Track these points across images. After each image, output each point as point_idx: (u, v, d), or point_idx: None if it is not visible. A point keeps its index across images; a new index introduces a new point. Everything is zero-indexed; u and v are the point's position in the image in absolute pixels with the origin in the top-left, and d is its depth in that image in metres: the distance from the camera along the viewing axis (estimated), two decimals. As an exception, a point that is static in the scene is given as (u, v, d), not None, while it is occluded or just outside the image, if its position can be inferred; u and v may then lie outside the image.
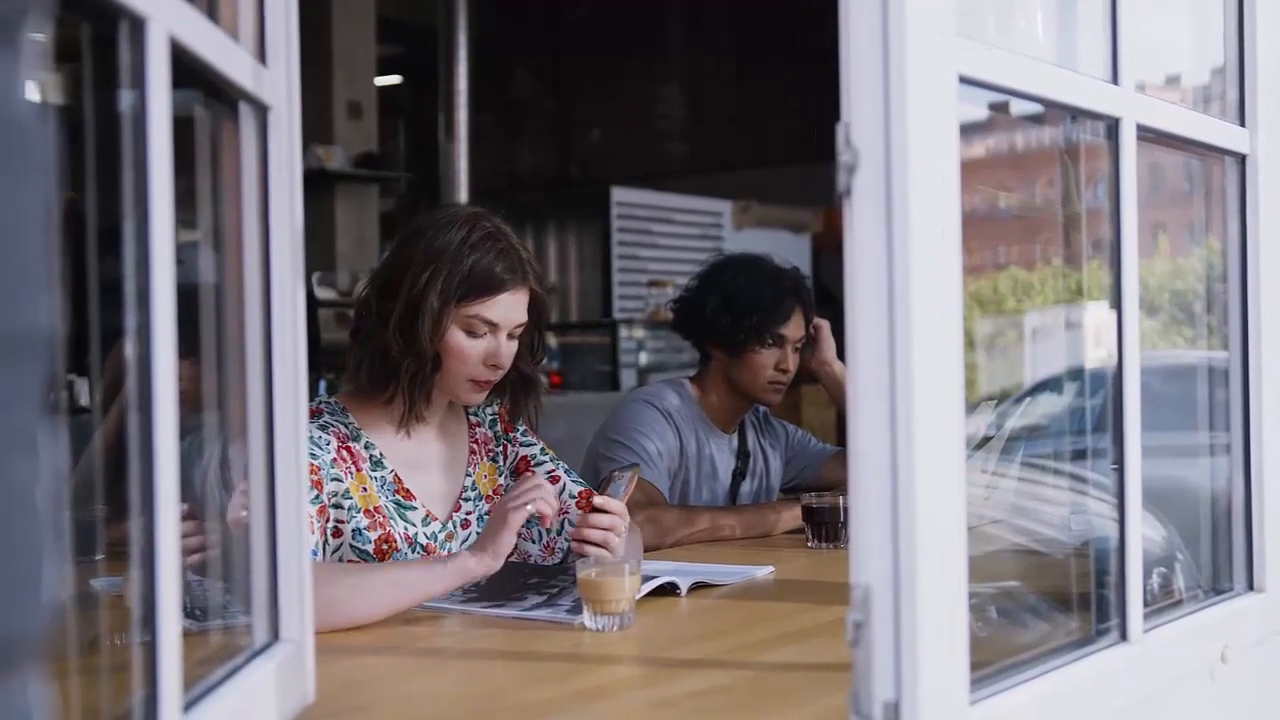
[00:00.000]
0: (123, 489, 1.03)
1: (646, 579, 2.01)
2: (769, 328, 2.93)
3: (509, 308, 2.18)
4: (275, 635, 1.35)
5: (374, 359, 2.17)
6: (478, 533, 2.25)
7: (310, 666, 1.40)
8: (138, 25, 0.98)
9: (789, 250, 6.20)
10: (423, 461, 2.26)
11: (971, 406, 1.25)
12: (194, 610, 1.36)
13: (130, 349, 1.00)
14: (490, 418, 2.39)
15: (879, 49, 1.16)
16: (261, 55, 1.33)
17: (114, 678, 1.22)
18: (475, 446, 2.35)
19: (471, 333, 2.16)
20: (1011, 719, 1.29)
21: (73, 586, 1.12)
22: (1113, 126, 1.50)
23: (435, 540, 2.21)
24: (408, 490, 2.20)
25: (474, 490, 2.31)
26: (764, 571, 2.31)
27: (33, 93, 0.56)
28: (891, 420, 1.15)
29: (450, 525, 2.25)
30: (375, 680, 1.65)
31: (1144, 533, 1.53)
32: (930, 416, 1.16)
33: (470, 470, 2.32)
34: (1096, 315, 1.85)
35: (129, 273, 1.00)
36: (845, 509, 2.61)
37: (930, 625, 1.15)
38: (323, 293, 6.83)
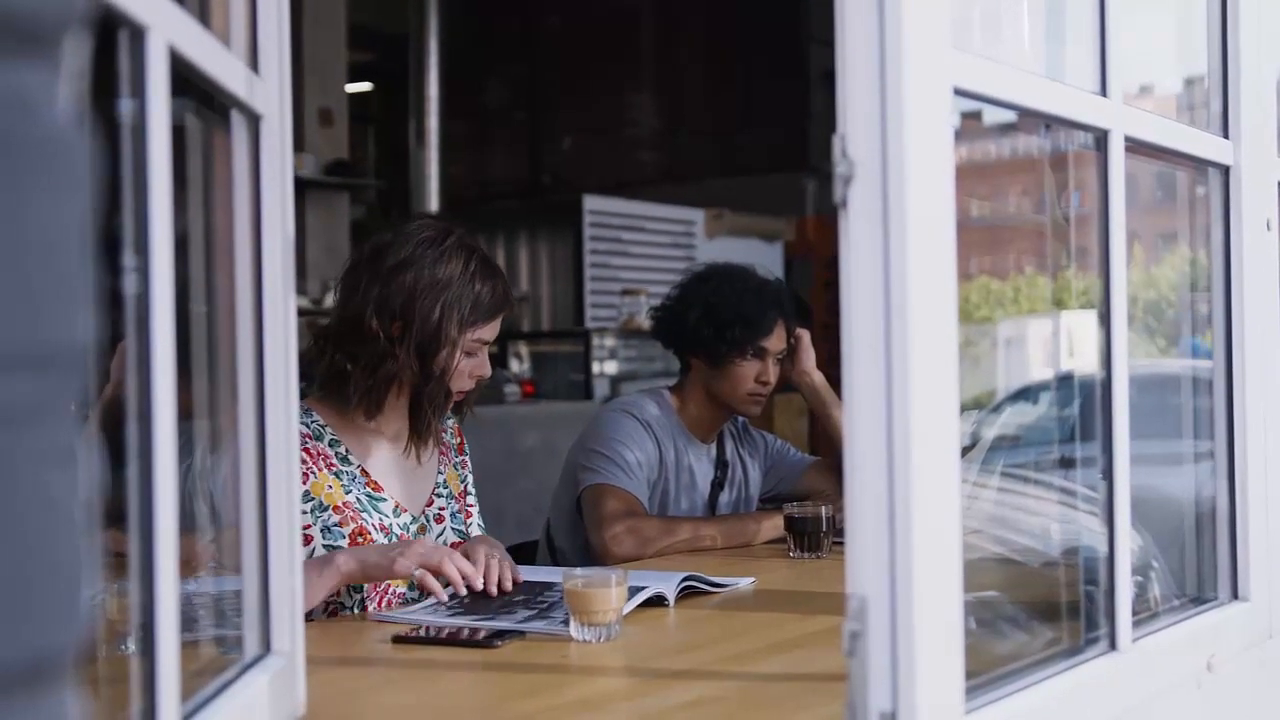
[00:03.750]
0: (105, 499, 1.02)
1: (634, 591, 2.01)
2: (751, 340, 2.92)
3: (499, 325, 2.32)
4: (267, 648, 1.34)
5: (385, 384, 2.24)
6: (452, 528, 2.37)
7: (302, 679, 1.40)
8: (138, 34, 0.97)
9: (761, 259, 6.21)
10: (392, 459, 2.33)
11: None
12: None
13: (130, 358, 0.99)
14: (450, 428, 2.49)
15: (876, 61, 1.16)
16: (254, 64, 1.33)
17: (106, 690, 1.21)
18: (444, 448, 2.44)
19: (470, 354, 2.28)
20: (1005, 728, 1.29)
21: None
22: (1101, 138, 1.51)
23: (408, 531, 2.29)
24: (376, 483, 2.28)
25: (445, 488, 2.40)
26: (746, 582, 2.32)
27: (72, 106, 0.55)
28: (888, 430, 1.15)
29: (423, 519, 2.33)
30: (365, 692, 1.64)
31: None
32: (927, 426, 1.16)
33: (441, 469, 2.41)
34: (1072, 324, 1.86)
35: (125, 281, 0.99)
36: (828, 519, 2.61)
37: (927, 635, 1.15)
38: (294, 301, 6.79)
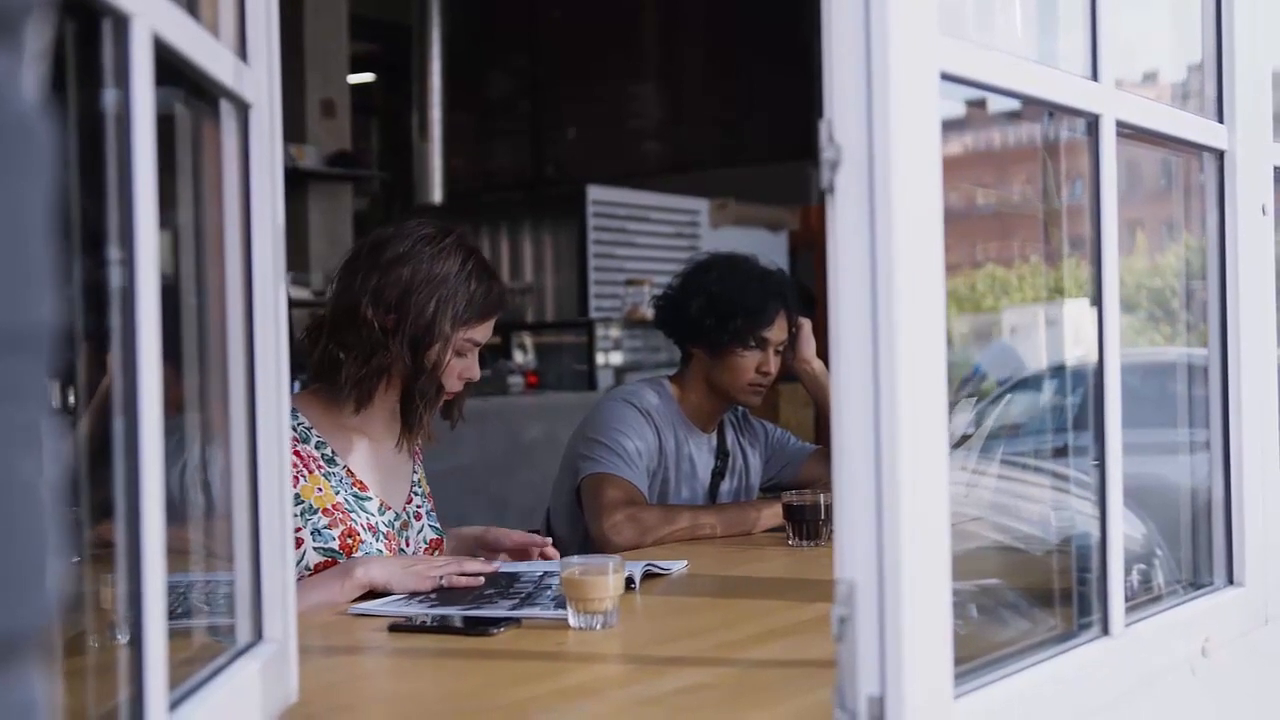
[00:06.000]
0: (99, 491, 1.03)
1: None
2: (752, 331, 2.92)
3: (491, 328, 2.35)
4: (259, 635, 1.35)
5: (376, 376, 2.26)
6: (430, 525, 2.42)
7: (294, 666, 1.40)
8: (121, 23, 0.97)
9: (766, 249, 6.21)
10: (374, 458, 2.35)
11: (950, 404, 1.25)
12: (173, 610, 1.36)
13: (114, 351, 0.99)
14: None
15: (861, 46, 1.16)
16: (242, 53, 1.33)
17: (95, 678, 1.21)
18: (417, 448, 2.47)
19: (460, 353, 2.30)
20: (996, 713, 1.30)
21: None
22: (1093, 123, 1.50)
23: (392, 529, 2.32)
24: (361, 482, 2.30)
25: (420, 487, 2.45)
26: (678, 566, 2.35)
27: (34, 90, 0.55)
28: (875, 416, 1.15)
29: (405, 515, 2.37)
30: (358, 680, 1.64)
31: (1123, 529, 1.54)
32: (914, 412, 1.16)
33: (416, 468, 2.45)
34: (1074, 313, 1.86)
35: (112, 273, 0.99)
36: (826, 507, 2.62)
37: (915, 620, 1.15)
38: (296, 293, 6.80)
